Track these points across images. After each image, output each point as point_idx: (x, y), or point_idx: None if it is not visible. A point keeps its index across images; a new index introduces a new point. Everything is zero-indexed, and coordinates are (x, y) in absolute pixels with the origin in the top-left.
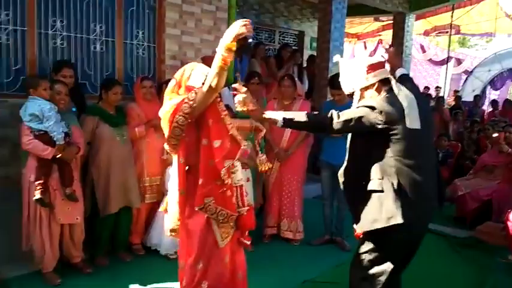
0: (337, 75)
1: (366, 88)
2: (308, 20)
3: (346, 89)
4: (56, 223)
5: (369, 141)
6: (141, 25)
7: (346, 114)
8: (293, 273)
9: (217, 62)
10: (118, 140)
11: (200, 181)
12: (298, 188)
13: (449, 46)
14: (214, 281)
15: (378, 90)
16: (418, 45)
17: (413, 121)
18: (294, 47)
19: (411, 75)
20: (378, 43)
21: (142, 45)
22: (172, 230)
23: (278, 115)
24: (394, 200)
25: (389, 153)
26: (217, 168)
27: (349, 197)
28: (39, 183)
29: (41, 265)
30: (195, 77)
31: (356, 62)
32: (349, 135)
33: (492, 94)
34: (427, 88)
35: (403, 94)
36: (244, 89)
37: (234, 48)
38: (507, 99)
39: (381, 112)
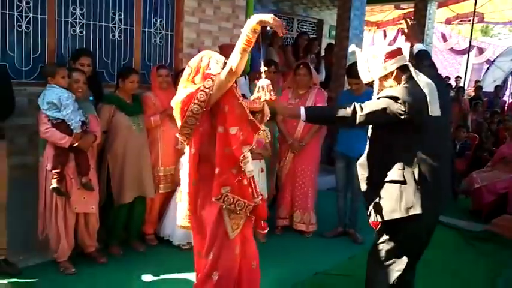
0: (354, 64)
1: (385, 77)
2: (327, 8)
3: (364, 78)
4: (71, 212)
5: (391, 131)
6: (159, 13)
7: (369, 106)
8: (305, 265)
9: (240, 43)
10: (134, 129)
11: (217, 170)
12: (311, 179)
13: (471, 35)
14: (225, 272)
15: (397, 79)
16: (439, 33)
17: (434, 109)
18: (312, 36)
19: None
20: (398, 31)
21: (160, 33)
22: (182, 227)
23: (302, 110)
24: (415, 190)
25: (411, 143)
26: (235, 156)
27: (368, 187)
28: (55, 172)
29: (55, 254)
30: (213, 65)
31: (373, 50)
32: (370, 126)
33: None
34: (447, 78)
35: (424, 81)
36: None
37: (258, 30)
38: None
39: (404, 102)
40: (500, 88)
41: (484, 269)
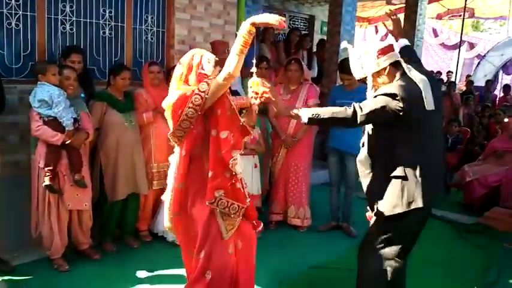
0: (346, 59)
1: (378, 73)
2: (319, 4)
3: (357, 74)
4: (64, 209)
5: (390, 127)
6: (150, 9)
7: (368, 106)
8: (300, 259)
9: (237, 45)
10: (126, 125)
11: (210, 173)
12: (305, 174)
13: (462, 30)
14: (218, 271)
15: (390, 75)
16: (430, 29)
17: (429, 103)
18: (304, 32)
19: (423, 60)
20: None
21: (151, 30)
22: (169, 228)
23: (303, 112)
24: (416, 184)
25: (409, 138)
26: (225, 160)
27: (368, 183)
28: (48, 169)
29: (49, 251)
30: (205, 64)
31: (366, 46)
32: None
33: (504, 79)
34: (439, 73)
35: (417, 77)
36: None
37: (254, 32)
38: None
39: (402, 99)
40: (491, 83)
41: (477, 261)
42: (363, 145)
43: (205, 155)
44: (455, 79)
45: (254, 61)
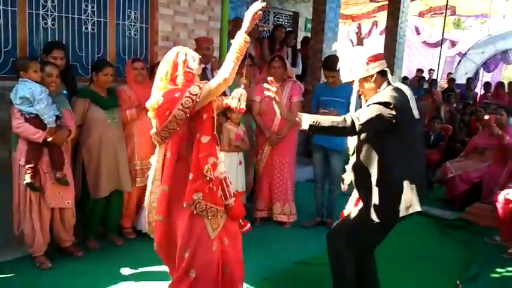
0: (330, 57)
1: (365, 79)
2: (303, 1)
3: (345, 77)
4: (46, 207)
5: (380, 135)
6: (133, 5)
7: (365, 115)
8: (284, 255)
9: (234, 53)
10: (109, 122)
11: (191, 176)
12: (289, 171)
13: (444, 27)
14: (203, 270)
15: (377, 82)
16: (413, 27)
17: (416, 112)
18: (288, 29)
19: (405, 57)
20: (373, 25)
21: (135, 26)
22: (149, 224)
23: (304, 119)
24: (411, 189)
25: (401, 145)
26: (201, 164)
27: (363, 190)
28: (29, 167)
29: (31, 249)
30: (191, 61)
31: (357, 51)
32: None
33: (485, 76)
34: (420, 71)
35: (402, 86)
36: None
37: (249, 40)
38: (500, 81)
39: (394, 107)
40: (472, 80)
41: (459, 256)
42: (353, 153)
43: (190, 156)
44: (437, 77)
45: (244, 71)
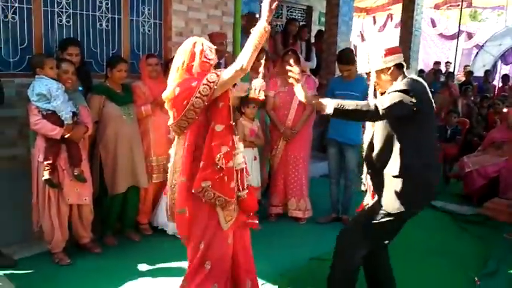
0: (345, 50)
1: (382, 71)
2: None
3: (362, 68)
4: (64, 203)
5: (400, 123)
6: (147, 1)
7: (388, 101)
8: (300, 251)
9: (254, 40)
10: (125, 118)
11: (201, 164)
12: (304, 166)
13: (460, 20)
14: (217, 262)
15: (393, 75)
16: (428, 19)
17: (431, 102)
18: (302, 23)
19: (421, 50)
20: (388, 17)
21: (149, 22)
22: (172, 215)
23: (328, 103)
24: (429, 179)
25: (419, 134)
26: (213, 153)
27: (377, 181)
28: (47, 164)
29: (50, 245)
30: (208, 51)
31: (375, 43)
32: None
33: (503, 69)
34: (438, 63)
35: (419, 78)
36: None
37: (269, 29)
38: None
39: (414, 95)
40: (489, 73)
41: (476, 251)
42: (369, 143)
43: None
44: (454, 69)
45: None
